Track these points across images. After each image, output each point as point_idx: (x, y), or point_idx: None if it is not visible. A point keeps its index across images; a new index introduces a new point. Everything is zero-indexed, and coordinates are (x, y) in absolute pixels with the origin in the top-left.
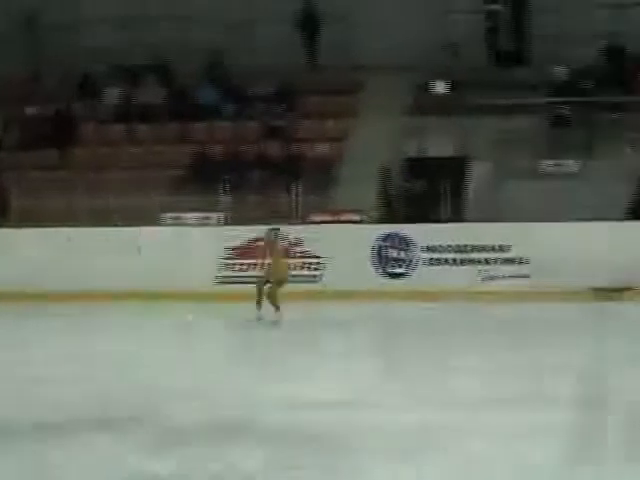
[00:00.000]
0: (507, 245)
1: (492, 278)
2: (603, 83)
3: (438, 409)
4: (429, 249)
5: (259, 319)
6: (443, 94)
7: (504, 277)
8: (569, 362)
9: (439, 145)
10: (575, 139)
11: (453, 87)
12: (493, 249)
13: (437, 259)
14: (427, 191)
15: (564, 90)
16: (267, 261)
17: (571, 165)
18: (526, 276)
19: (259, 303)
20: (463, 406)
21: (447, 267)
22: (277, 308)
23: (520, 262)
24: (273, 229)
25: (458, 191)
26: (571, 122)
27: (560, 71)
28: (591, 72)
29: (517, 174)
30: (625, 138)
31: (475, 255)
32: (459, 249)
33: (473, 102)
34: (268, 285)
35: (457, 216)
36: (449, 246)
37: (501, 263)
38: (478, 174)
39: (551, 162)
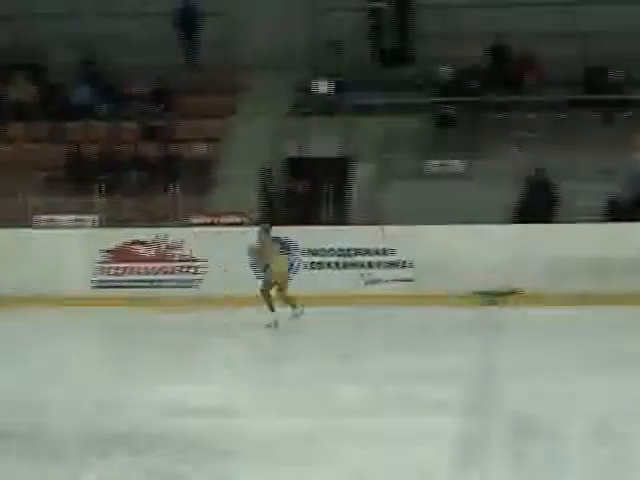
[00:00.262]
0: (391, 248)
1: (375, 282)
2: (489, 83)
3: (320, 415)
4: (311, 252)
5: (276, 324)
6: (326, 94)
7: (388, 281)
8: (454, 367)
9: (322, 146)
10: (461, 139)
11: (336, 87)
12: (377, 252)
13: (319, 263)
14: (309, 193)
15: (449, 90)
16: (265, 262)
17: (457, 166)
18: (410, 280)
19: (271, 307)
20: (345, 412)
21: (329, 271)
22: (293, 306)
23: (404, 266)
24: (263, 226)
25: (341, 193)
26: (456, 122)
27: (445, 70)
28: (477, 72)
29: (402, 175)
30: (511, 138)
31: (358, 259)
32: (342, 252)
33: (357, 102)
34: (275, 288)
35: (340, 218)
36: (331, 249)
37: (385, 267)
38: (361, 175)
39: (436, 162)
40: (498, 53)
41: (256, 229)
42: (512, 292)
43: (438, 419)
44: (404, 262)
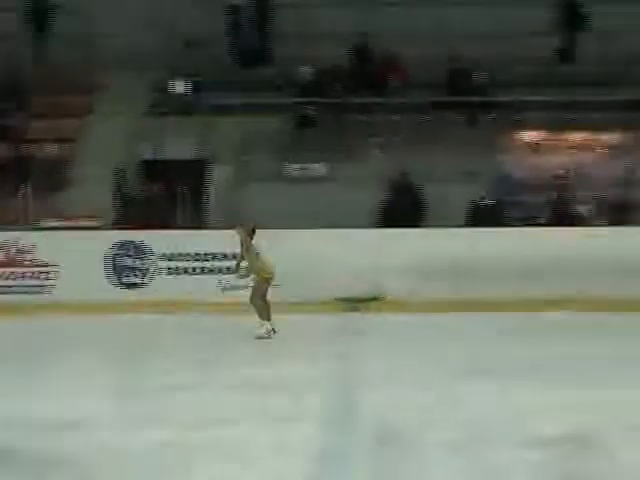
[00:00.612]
0: None
1: (234, 288)
2: (351, 84)
3: (178, 427)
4: (167, 257)
5: (274, 332)
6: (183, 94)
7: (247, 287)
8: (314, 375)
9: (179, 147)
10: (323, 141)
11: (194, 87)
12: (235, 257)
13: (176, 268)
14: (164, 195)
15: (309, 90)
16: (244, 263)
17: (318, 168)
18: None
19: (264, 316)
20: (202, 423)
21: (187, 276)
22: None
23: None
24: (245, 227)
25: (198, 196)
26: (317, 123)
27: (305, 71)
28: (338, 72)
29: (261, 177)
30: (374, 141)
31: (216, 264)
32: (199, 257)
33: (215, 102)
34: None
35: (197, 222)
36: (188, 254)
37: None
38: (219, 178)
39: (297, 165)
40: (360, 54)
41: (234, 231)
42: (374, 298)
43: (297, 429)
44: None
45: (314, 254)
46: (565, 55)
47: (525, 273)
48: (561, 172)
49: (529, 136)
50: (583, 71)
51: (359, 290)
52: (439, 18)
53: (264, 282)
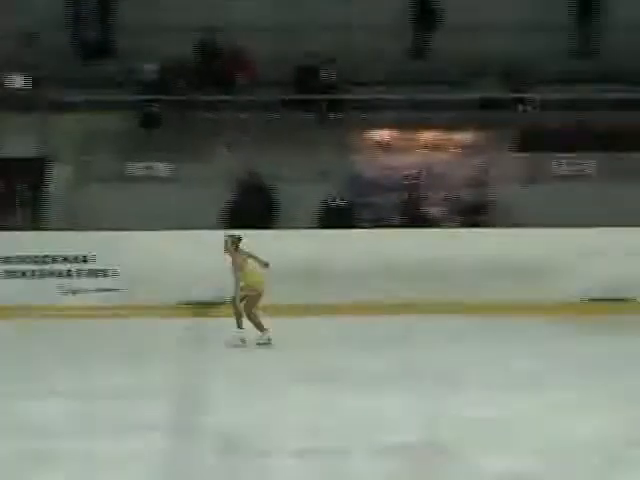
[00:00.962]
0: (92, 255)
1: (75, 292)
2: (197, 81)
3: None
4: (3, 260)
5: (243, 342)
6: (21, 89)
7: (89, 291)
8: (160, 383)
9: (16, 145)
10: (167, 140)
11: (33, 81)
12: (76, 260)
13: (13, 271)
14: (3, 194)
15: (154, 87)
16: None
17: (162, 168)
18: (115, 289)
19: (238, 323)
20: (58, 435)
21: (25, 280)
22: (260, 329)
23: (107, 274)
24: (230, 237)
25: (36, 195)
26: (161, 121)
27: (150, 67)
28: (184, 69)
29: (103, 177)
30: (221, 140)
31: (56, 267)
32: (38, 260)
33: (55, 98)
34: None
35: (35, 223)
36: (27, 257)
37: (85, 275)
38: (59, 177)
39: (141, 165)
40: (207, 49)
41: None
42: (223, 302)
43: (143, 439)
44: (107, 271)
45: (161, 256)
46: (417, 52)
47: (376, 276)
48: (413, 172)
49: (380, 135)
50: (435, 69)
51: (206, 294)
52: (289, 13)
53: (252, 293)
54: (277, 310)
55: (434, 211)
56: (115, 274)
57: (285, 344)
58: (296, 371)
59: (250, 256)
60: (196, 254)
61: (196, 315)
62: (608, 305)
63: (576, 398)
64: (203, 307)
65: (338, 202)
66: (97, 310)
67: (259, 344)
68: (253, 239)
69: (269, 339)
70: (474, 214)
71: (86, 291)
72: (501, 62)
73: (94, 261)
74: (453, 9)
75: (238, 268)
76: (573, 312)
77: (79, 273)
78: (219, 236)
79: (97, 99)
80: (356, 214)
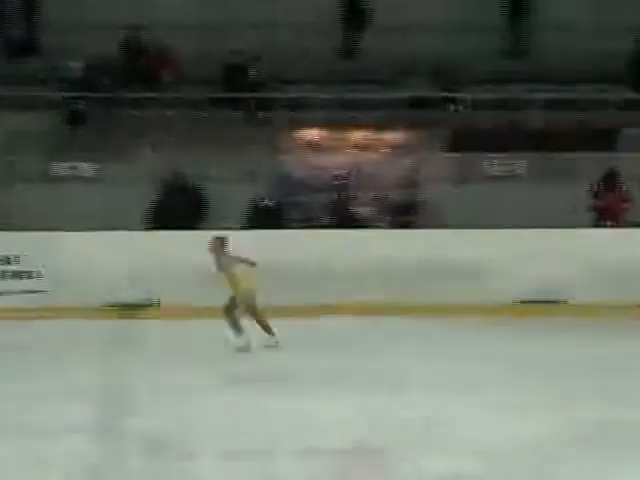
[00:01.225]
0: (16, 256)
1: (4, 293)
2: (122, 78)
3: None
4: None
5: (248, 347)
6: None
7: (13, 293)
8: (84, 385)
9: None
10: (92, 140)
11: None
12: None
13: None
14: None
15: (79, 85)
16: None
17: (86, 168)
18: (40, 291)
19: (236, 328)
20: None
21: None
22: (267, 332)
23: (31, 276)
24: (218, 238)
25: None
26: (86, 120)
27: (75, 65)
28: (109, 66)
29: (27, 178)
30: (146, 139)
31: None
32: None
33: None
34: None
35: None
36: None
37: (10, 277)
38: None
39: (65, 165)
40: (132, 47)
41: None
42: (150, 304)
43: (66, 441)
44: (31, 272)
45: (86, 257)
46: (346, 51)
47: (304, 277)
48: (342, 172)
49: (310, 135)
50: (365, 68)
51: (131, 296)
52: (214, 11)
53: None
54: (202, 312)
55: (364, 211)
56: (39, 275)
57: (211, 347)
58: (222, 374)
59: (236, 258)
60: (121, 255)
61: (122, 317)
62: (541, 307)
63: (512, 399)
64: (129, 309)
65: (267, 202)
66: (21, 312)
67: (267, 347)
68: (177, 239)
69: (277, 342)
70: (404, 214)
71: (11, 293)
72: (431, 62)
73: (18, 262)
74: (383, 9)
75: (223, 269)
76: (507, 314)
77: (3, 275)
78: (143, 237)
79: (21, 95)
80: (285, 214)
